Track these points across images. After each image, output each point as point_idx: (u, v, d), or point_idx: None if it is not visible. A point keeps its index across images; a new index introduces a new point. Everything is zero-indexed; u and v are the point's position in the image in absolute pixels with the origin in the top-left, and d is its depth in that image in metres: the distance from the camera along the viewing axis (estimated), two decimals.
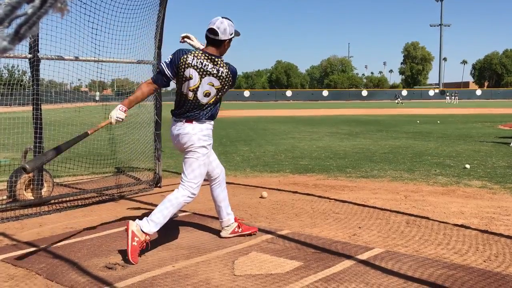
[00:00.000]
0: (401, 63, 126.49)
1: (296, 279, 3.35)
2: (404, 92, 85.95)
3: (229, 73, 4.03)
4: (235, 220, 4.45)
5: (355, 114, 31.65)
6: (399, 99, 65.60)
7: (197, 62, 3.94)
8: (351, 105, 54.08)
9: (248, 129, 19.19)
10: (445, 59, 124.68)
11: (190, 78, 3.94)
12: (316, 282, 3.29)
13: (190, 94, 3.97)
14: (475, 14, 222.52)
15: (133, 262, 3.67)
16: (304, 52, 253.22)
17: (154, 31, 6.75)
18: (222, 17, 4.03)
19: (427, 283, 3.28)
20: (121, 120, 3.98)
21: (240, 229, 4.43)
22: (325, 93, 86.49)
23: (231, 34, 4.04)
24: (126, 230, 3.81)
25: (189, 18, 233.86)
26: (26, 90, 5.96)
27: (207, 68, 3.96)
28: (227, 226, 4.40)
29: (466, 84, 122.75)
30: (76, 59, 5.89)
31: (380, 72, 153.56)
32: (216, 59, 3.99)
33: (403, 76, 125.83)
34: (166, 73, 3.96)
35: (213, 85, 3.98)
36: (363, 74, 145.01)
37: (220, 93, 4.07)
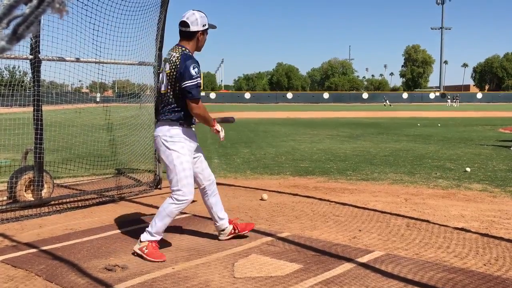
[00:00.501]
0: (402, 66, 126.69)
1: (296, 281, 3.35)
2: (405, 95, 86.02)
3: (179, 57, 3.87)
4: (230, 222, 4.39)
5: (356, 117, 31.64)
6: (387, 101, 66.34)
7: (167, 55, 4.06)
8: (352, 108, 54.08)
9: (249, 131, 19.19)
10: (446, 62, 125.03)
11: (161, 71, 4.09)
12: (316, 285, 3.28)
13: (160, 86, 4.09)
14: (476, 17, 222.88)
15: (161, 260, 3.80)
16: (305, 54, 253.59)
17: (155, 33, 6.76)
18: (193, 10, 4.00)
19: (427, 286, 3.27)
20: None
21: (237, 230, 4.39)
22: (325, 95, 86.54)
23: (203, 26, 3.99)
24: (134, 253, 3.96)
25: None
26: (27, 91, 5.96)
27: (168, 56, 4.01)
28: (222, 230, 4.37)
29: (466, 87, 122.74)
30: (77, 60, 5.89)
31: (381, 75, 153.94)
32: (178, 47, 3.97)
33: (404, 79, 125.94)
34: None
35: (165, 70, 3.97)
36: (364, 77, 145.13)
37: (172, 81, 3.87)
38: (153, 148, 6.98)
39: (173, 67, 3.87)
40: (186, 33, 3.98)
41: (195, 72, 3.85)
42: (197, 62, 3.90)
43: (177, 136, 3.91)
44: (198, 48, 4.08)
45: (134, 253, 3.94)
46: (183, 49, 3.96)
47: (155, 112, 4.14)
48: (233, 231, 4.38)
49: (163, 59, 4.09)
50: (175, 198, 3.92)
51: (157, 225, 3.94)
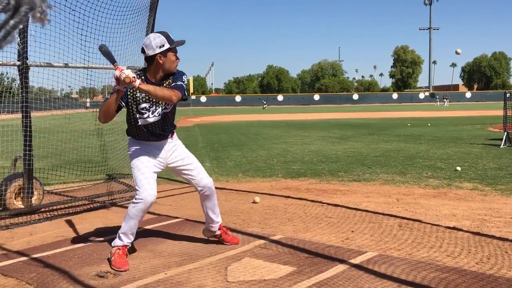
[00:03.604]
0: (391, 67, 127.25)
1: (290, 284, 3.34)
2: (395, 96, 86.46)
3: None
4: (220, 228, 4.36)
5: (347, 118, 31.75)
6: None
7: None
8: (342, 109, 54.27)
9: (240, 134, 19.17)
10: (434, 62, 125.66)
11: None
12: (310, 287, 3.28)
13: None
14: (464, 17, 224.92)
15: (124, 269, 3.69)
16: (295, 56, 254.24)
17: (144, 37, 6.72)
18: (154, 33, 3.96)
19: (421, 286, 3.28)
20: (127, 77, 3.50)
21: (222, 237, 4.35)
22: (316, 97, 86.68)
23: (160, 47, 3.78)
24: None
25: (179, 23, 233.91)
26: (15, 97, 5.91)
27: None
28: (210, 232, 4.36)
29: (455, 87, 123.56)
30: (66, 66, 5.85)
31: (371, 76, 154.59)
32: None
33: (394, 80, 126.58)
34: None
35: None
36: (353, 78, 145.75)
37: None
38: None
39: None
40: (145, 58, 3.90)
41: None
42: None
43: (129, 146, 4.14)
44: (165, 71, 3.88)
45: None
46: (139, 71, 3.97)
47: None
48: (219, 236, 4.36)
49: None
50: (135, 198, 3.95)
51: (123, 227, 3.93)
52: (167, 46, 3.81)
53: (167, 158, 4.09)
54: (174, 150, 4.13)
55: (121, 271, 3.68)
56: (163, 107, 3.96)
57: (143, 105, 3.90)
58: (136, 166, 3.96)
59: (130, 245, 4.01)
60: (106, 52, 3.84)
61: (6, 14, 0.94)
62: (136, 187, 3.95)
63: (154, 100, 3.87)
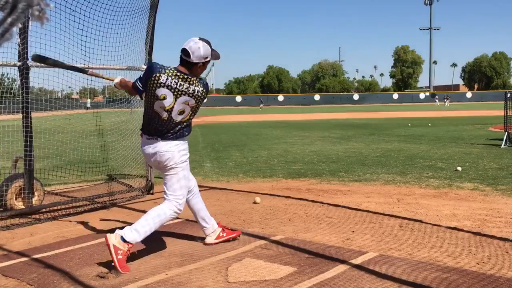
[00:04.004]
0: (392, 67, 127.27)
1: (290, 285, 3.34)
2: (395, 96, 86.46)
3: (204, 91, 3.95)
4: (219, 225, 4.41)
5: (347, 118, 31.75)
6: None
7: (171, 82, 3.82)
8: (343, 109, 54.25)
9: (241, 134, 19.18)
10: (435, 62, 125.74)
11: (164, 98, 3.84)
12: None
13: (164, 114, 3.89)
14: (464, 17, 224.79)
15: (124, 272, 3.63)
16: (296, 56, 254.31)
17: (144, 37, 6.73)
18: (200, 38, 3.90)
19: (421, 286, 3.27)
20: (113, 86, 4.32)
21: (224, 233, 4.40)
22: (316, 97, 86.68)
23: (205, 58, 3.88)
24: (107, 244, 3.68)
25: (180, 23, 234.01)
26: (16, 98, 5.91)
27: (182, 88, 3.84)
28: (212, 232, 4.36)
29: (456, 87, 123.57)
30: None
31: (371, 76, 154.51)
32: (190, 78, 3.88)
33: (394, 80, 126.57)
34: (138, 86, 3.95)
35: (188, 104, 3.90)
36: (354, 78, 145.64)
37: (195, 110, 4.01)
38: None
39: (200, 100, 3.98)
40: (185, 62, 3.88)
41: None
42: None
43: (186, 150, 4.06)
44: (196, 76, 3.97)
45: (109, 246, 3.65)
46: (198, 79, 3.93)
47: (159, 133, 4.01)
48: (221, 234, 4.38)
49: (171, 88, 3.83)
50: (176, 205, 3.99)
51: (150, 226, 3.83)
52: (209, 58, 3.95)
53: None
54: None
55: (124, 273, 3.61)
56: None
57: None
58: (185, 177, 4.04)
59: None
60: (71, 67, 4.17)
61: (4, 12, 0.93)
62: (180, 197, 4.00)
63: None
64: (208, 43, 3.93)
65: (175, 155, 3.94)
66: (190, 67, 3.89)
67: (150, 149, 3.97)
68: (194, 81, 3.89)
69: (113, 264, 3.64)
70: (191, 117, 4.03)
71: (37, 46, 5.41)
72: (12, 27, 0.93)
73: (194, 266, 3.79)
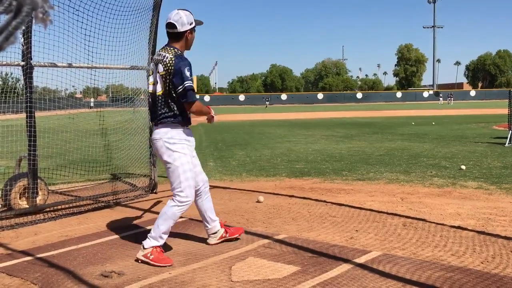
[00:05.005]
0: (395, 65, 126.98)
1: (294, 284, 3.34)
2: (399, 94, 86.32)
3: (172, 58, 3.86)
4: (221, 225, 4.38)
5: (350, 117, 31.69)
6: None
7: (156, 55, 4.03)
8: (346, 108, 54.17)
9: (244, 133, 19.17)
10: (438, 60, 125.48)
11: (152, 73, 4.04)
12: (314, 287, 3.27)
13: (150, 88, 4.03)
14: (468, 15, 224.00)
15: (168, 264, 3.76)
16: (299, 55, 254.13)
17: (147, 36, 6.73)
18: (178, 9, 3.96)
19: (425, 286, 3.27)
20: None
21: (227, 233, 4.37)
22: (320, 96, 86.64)
23: (190, 24, 3.97)
24: (138, 260, 3.88)
25: None
26: (20, 97, 5.92)
27: (159, 57, 3.95)
28: (214, 233, 4.34)
29: (460, 85, 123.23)
30: (70, 66, 5.86)
31: (375, 75, 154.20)
32: (169, 48, 3.95)
33: (398, 78, 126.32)
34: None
35: (158, 72, 3.92)
36: (357, 77, 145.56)
37: (166, 83, 3.87)
38: (148, 152, 6.97)
39: (167, 68, 3.86)
40: (173, 34, 3.95)
41: (189, 75, 3.85)
42: (190, 64, 3.89)
43: (177, 137, 3.91)
44: (188, 47, 4.07)
45: (138, 260, 3.85)
46: (175, 50, 3.93)
47: (151, 115, 4.07)
48: (224, 234, 4.35)
49: (152, 58, 4.07)
50: (177, 200, 3.90)
51: (160, 228, 3.89)
52: (193, 24, 4.01)
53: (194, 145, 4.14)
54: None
55: (168, 266, 3.73)
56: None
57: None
58: (182, 165, 3.89)
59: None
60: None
61: (8, 15, 0.93)
62: (181, 187, 3.89)
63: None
64: (189, 11, 4.00)
65: (163, 144, 3.89)
66: (179, 38, 3.95)
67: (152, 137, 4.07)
68: (170, 50, 3.94)
69: (154, 265, 3.77)
70: (171, 96, 3.88)
71: (40, 45, 5.43)
72: (16, 31, 0.93)
73: (197, 265, 3.79)
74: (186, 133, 3.99)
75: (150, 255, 3.81)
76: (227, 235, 4.37)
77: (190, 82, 3.85)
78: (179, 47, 3.98)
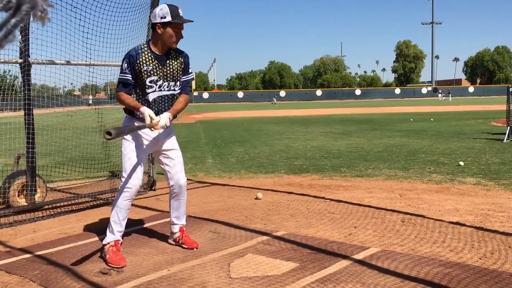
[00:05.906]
0: (394, 62, 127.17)
1: (293, 280, 3.34)
2: (397, 91, 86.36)
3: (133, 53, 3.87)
4: (181, 230, 4.26)
5: (349, 113, 31.70)
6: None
7: None
8: (345, 104, 54.18)
9: (242, 130, 19.17)
10: (437, 56, 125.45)
11: None
12: (313, 283, 3.28)
13: None
14: (466, 11, 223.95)
15: (122, 266, 3.69)
16: (297, 52, 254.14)
17: (145, 33, 6.72)
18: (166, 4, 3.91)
19: (424, 281, 3.27)
20: (166, 127, 3.89)
21: (181, 240, 4.22)
22: (318, 92, 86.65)
23: (162, 18, 3.77)
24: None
25: None
26: (18, 95, 5.91)
27: None
28: (172, 234, 4.32)
29: (458, 81, 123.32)
30: (68, 63, 5.85)
31: (373, 71, 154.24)
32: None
33: (396, 75, 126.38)
34: None
35: None
36: (356, 73, 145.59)
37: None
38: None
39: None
40: (151, 26, 3.95)
41: (124, 67, 3.85)
42: (128, 56, 3.84)
43: (128, 127, 3.89)
44: (165, 43, 3.86)
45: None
46: (142, 44, 3.96)
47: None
48: (178, 239, 4.24)
49: None
50: (120, 186, 3.94)
51: (110, 221, 3.94)
52: (168, 19, 3.79)
53: (159, 142, 4.05)
54: (168, 137, 4.10)
55: (119, 267, 3.66)
56: (172, 86, 3.98)
57: (152, 77, 3.89)
58: (127, 153, 3.94)
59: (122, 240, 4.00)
60: (120, 132, 3.69)
61: (7, 13, 0.93)
62: (123, 173, 3.93)
63: (162, 73, 3.90)
64: (172, 6, 3.84)
65: None
66: (153, 31, 3.89)
67: None
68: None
69: (109, 265, 3.75)
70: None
71: (38, 43, 5.42)
72: (15, 29, 0.93)
73: (196, 262, 3.80)
74: (130, 122, 3.99)
75: (106, 254, 3.84)
76: (181, 242, 4.21)
77: (122, 74, 3.85)
78: (152, 41, 3.92)
